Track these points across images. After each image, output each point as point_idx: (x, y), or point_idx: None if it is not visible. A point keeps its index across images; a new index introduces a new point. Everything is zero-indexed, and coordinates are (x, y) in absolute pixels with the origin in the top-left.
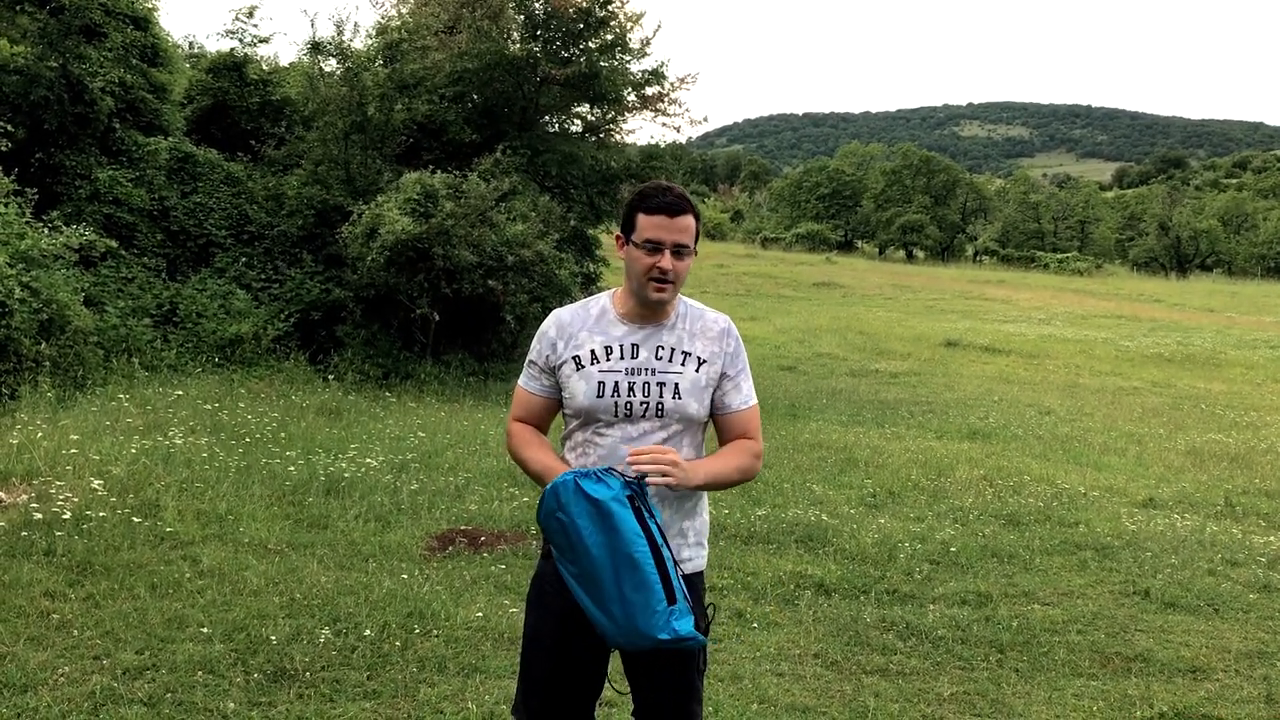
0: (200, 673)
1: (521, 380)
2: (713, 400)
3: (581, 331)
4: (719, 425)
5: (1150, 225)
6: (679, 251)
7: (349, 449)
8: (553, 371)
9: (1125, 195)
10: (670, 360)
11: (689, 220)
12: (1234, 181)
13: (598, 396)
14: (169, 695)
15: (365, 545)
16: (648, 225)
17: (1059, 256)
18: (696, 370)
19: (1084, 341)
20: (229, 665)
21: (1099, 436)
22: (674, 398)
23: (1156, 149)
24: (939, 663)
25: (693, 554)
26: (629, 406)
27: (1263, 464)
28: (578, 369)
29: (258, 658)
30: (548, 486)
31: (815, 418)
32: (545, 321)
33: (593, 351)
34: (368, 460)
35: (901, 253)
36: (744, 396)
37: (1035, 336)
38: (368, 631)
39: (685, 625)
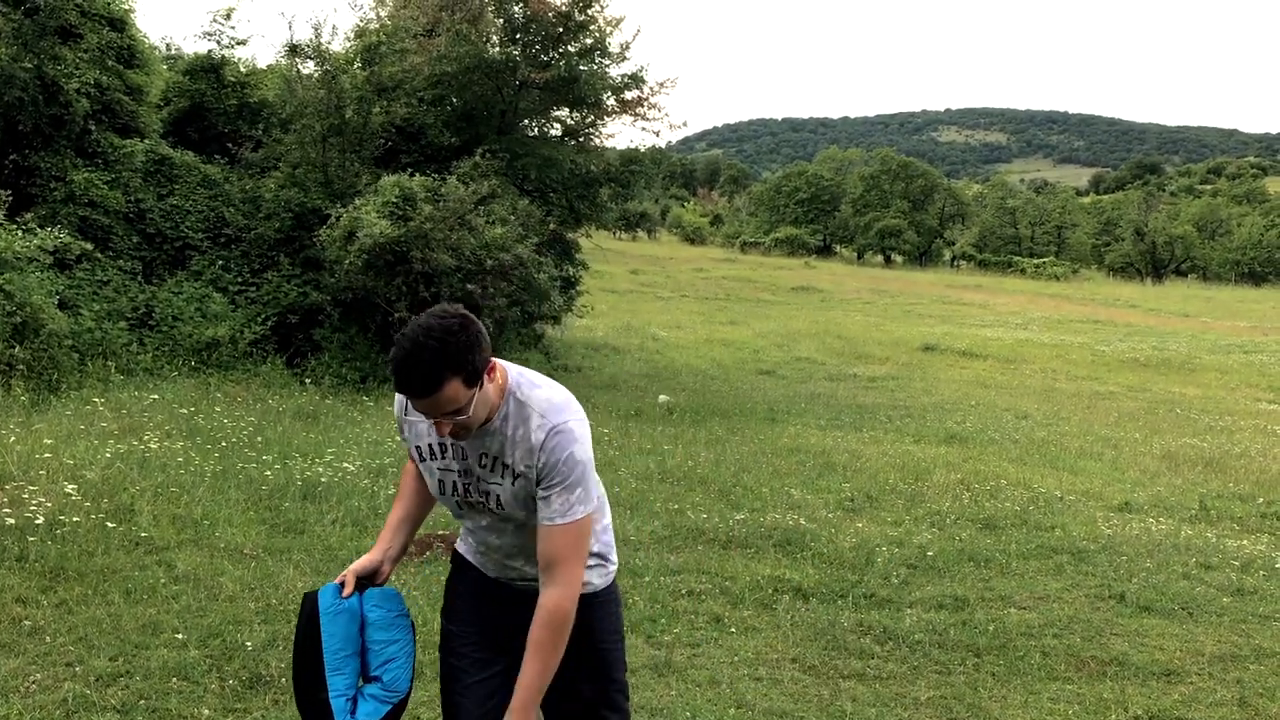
0: (174, 679)
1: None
2: None
3: (420, 423)
4: (537, 535)
5: (1126, 231)
6: (453, 416)
7: (326, 453)
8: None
9: (1101, 201)
10: (491, 470)
11: (448, 392)
12: (1209, 188)
13: (440, 493)
14: (142, 702)
15: (342, 550)
16: (409, 400)
17: (1036, 262)
18: (513, 483)
19: (1060, 346)
20: (204, 672)
21: (1075, 441)
22: (498, 506)
23: (1132, 155)
24: (916, 667)
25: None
26: (469, 504)
27: (1236, 468)
28: (421, 460)
29: (233, 664)
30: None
31: (794, 422)
32: (396, 396)
33: (430, 446)
34: (345, 465)
35: (880, 257)
36: (551, 512)
37: (1012, 341)
38: None
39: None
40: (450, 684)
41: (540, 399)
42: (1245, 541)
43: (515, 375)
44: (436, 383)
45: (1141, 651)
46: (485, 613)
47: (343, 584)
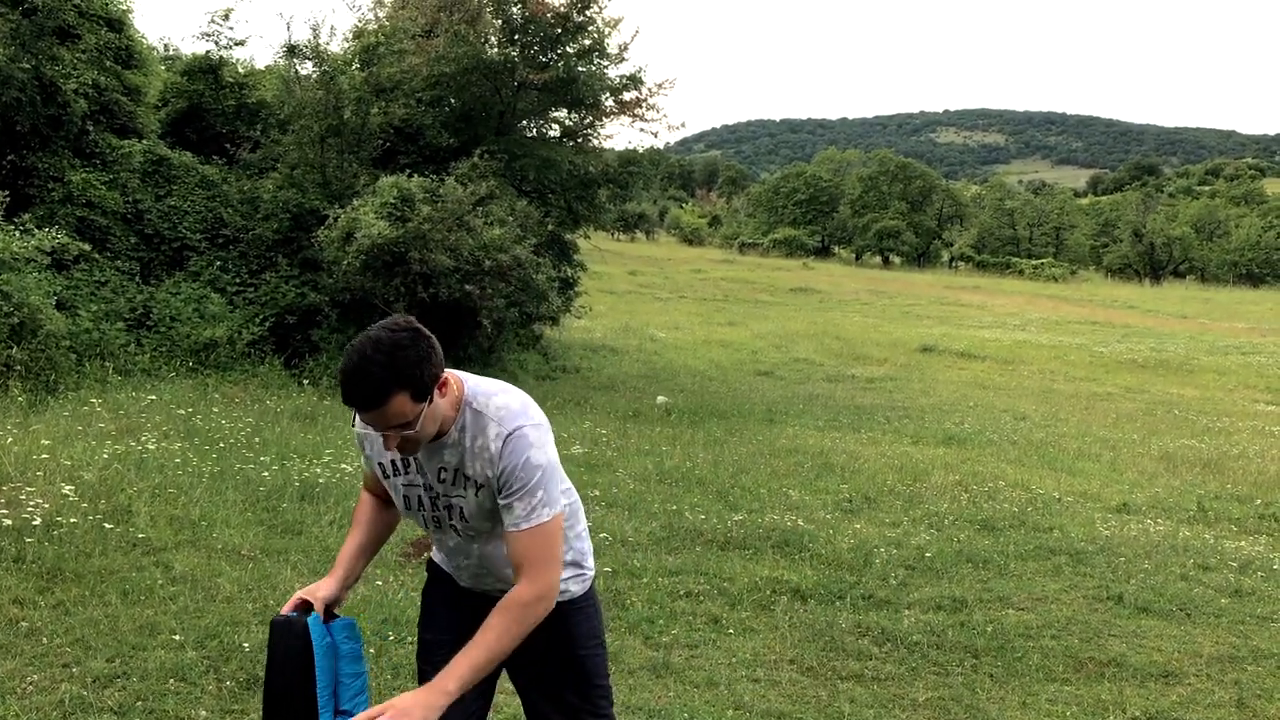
0: (172, 680)
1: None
2: None
3: (380, 440)
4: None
5: (1124, 232)
6: (400, 429)
7: (324, 454)
8: (370, 465)
9: (1100, 202)
10: (453, 483)
11: (395, 406)
12: (1207, 189)
13: (406, 509)
14: (140, 704)
15: (339, 551)
16: (358, 414)
17: (1034, 263)
18: (476, 495)
19: (1058, 347)
20: (201, 673)
21: (1073, 442)
22: (462, 519)
23: (1130, 156)
24: (914, 668)
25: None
26: (436, 519)
27: (1235, 469)
28: (384, 476)
29: (230, 665)
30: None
31: (792, 423)
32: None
33: (393, 462)
34: (342, 466)
35: (878, 258)
36: (515, 518)
37: (1010, 342)
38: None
39: None
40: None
41: (496, 406)
42: (1243, 543)
43: (471, 386)
44: (383, 396)
45: (1139, 653)
46: (463, 621)
47: (318, 614)
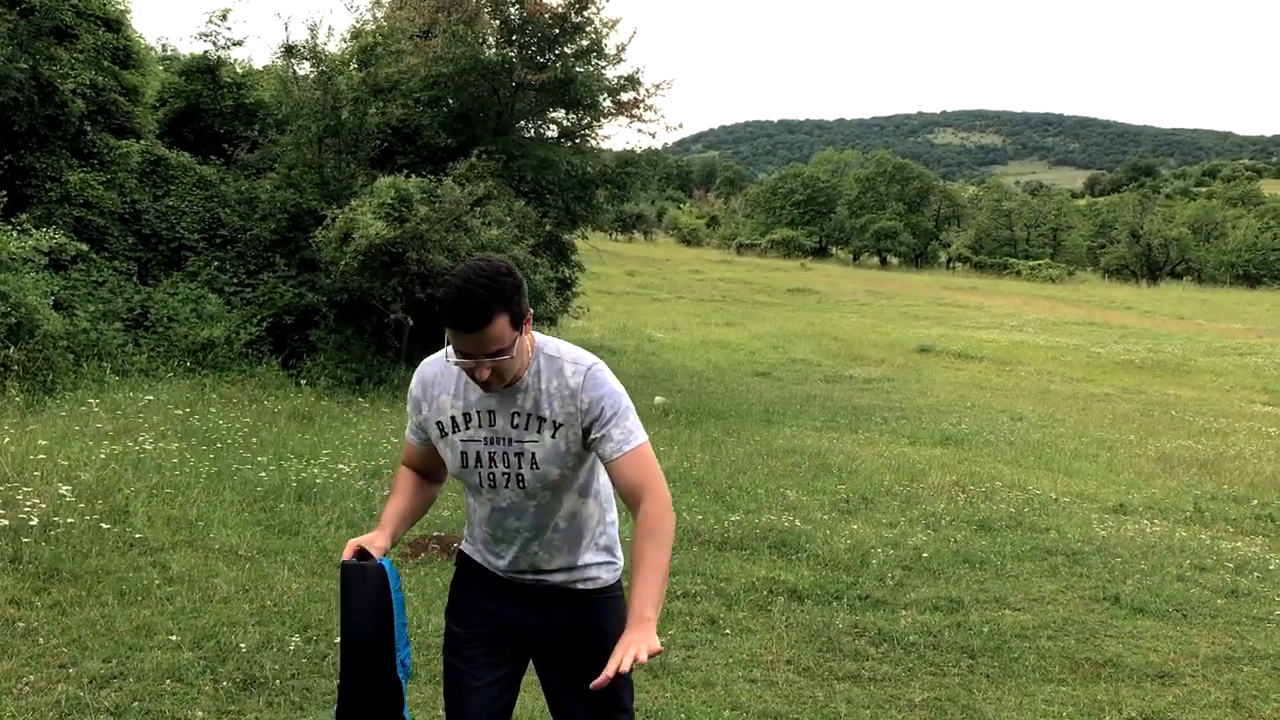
0: (169, 681)
1: (407, 430)
2: (592, 453)
3: (443, 395)
4: (609, 476)
5: (1121, 233)
6: (495, 357)
7: (321, 455)
8: (424, 432)
9: (1097, 203)
10: (526, 428)
11: (495, 329)
12: (1204, 190)
13: (462, 467)
14: (136, 704)
15: (337, 552)
16: (453, 339)
17: (1031, 263)
18: (553, 436)
19: (1056, 348)
20: (198, 673)
21: (1070, 442)
22: (532, 468)
23: (1128, 157)
24: (911, 669)
25: (601, 571)
26: (491, 477)
27: (1231, 470)
28: (442, 436)
29: (227, 665)
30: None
31: (789, 423)
32: (413, 378)
33: (453, 419)
34: (340, 466)
35: (876, 259)
36: (615, 444)
37: (1007, 343)
38: (338, 639)
39: None
40: (456, 686)
41: (567, 350)
42: (1240, 543)
43: (540, 337)
44: (486, 317)
45: (1136, 653)
46: (494, 614)
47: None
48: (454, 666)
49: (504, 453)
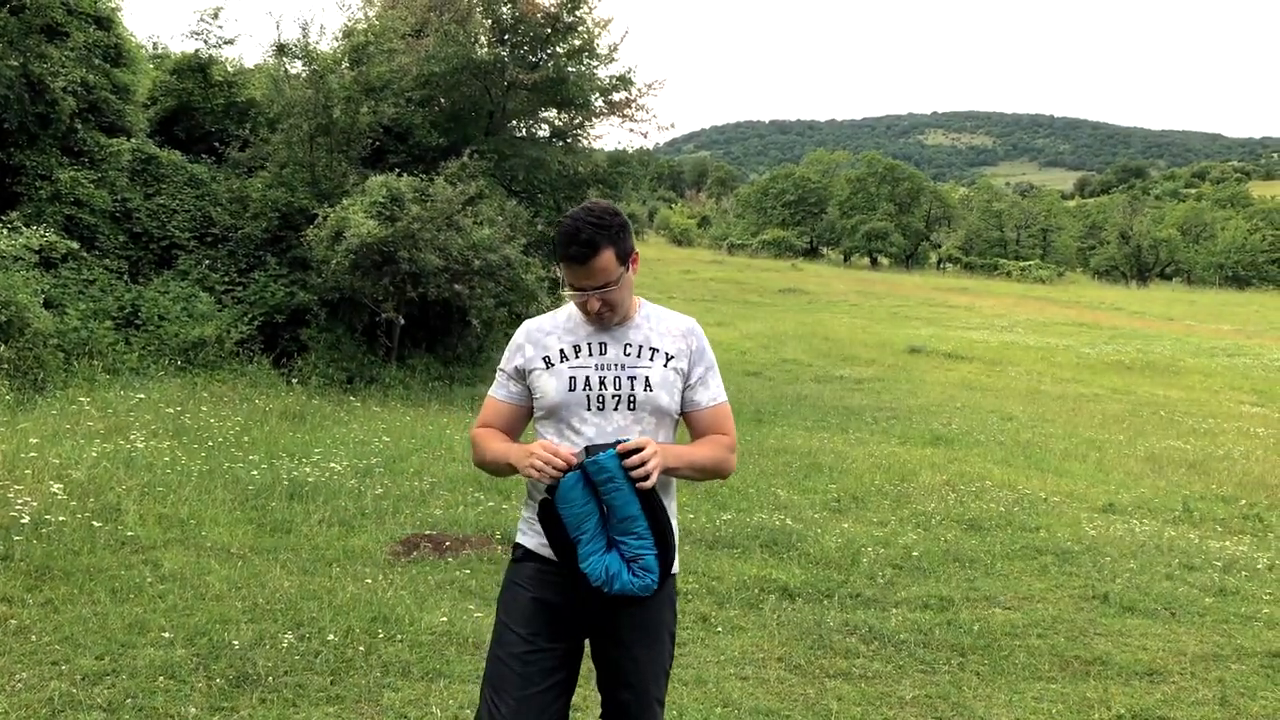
0: (161, 678)
1: (491, 390)
2: (681, 398)
3: (549, 336)
4: (689, 423)
5: (1111, 234)
6: (604, 290)
7: (313, 453)
8: (523, 377)
9: (1087, 204)
10: (639, 356)
11: (604, 260)
12: (1193, 191)
13: (569, 390)
14: (129, 701)
15: (329, 550)
16: (567, 273)
17: (1021, 264)
18: (665, 365)
19: (1045, 349)
20: (190, 670)
21: (1060, 443)
22: (645, 390)
23: (1118, 159)
24: (901, 666)
25: None
26: (600, 400)
27: (1219, 470)
28: (548, 368)
29: (220, 663)
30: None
31: (780, 423)
32: (516, 331)
33: (561, 350)
34: (332, 465)
35: (866, 260)
36: (711, 394)
37: (997, 343)
38: (331, 636)
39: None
40: (503, 690)
41: (669, 309)
42: (1228, 543)
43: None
44: (595, 249)
45: (1124, 651)
46: (555, 608)
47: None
48: (504, 666)
49: (615, 376)
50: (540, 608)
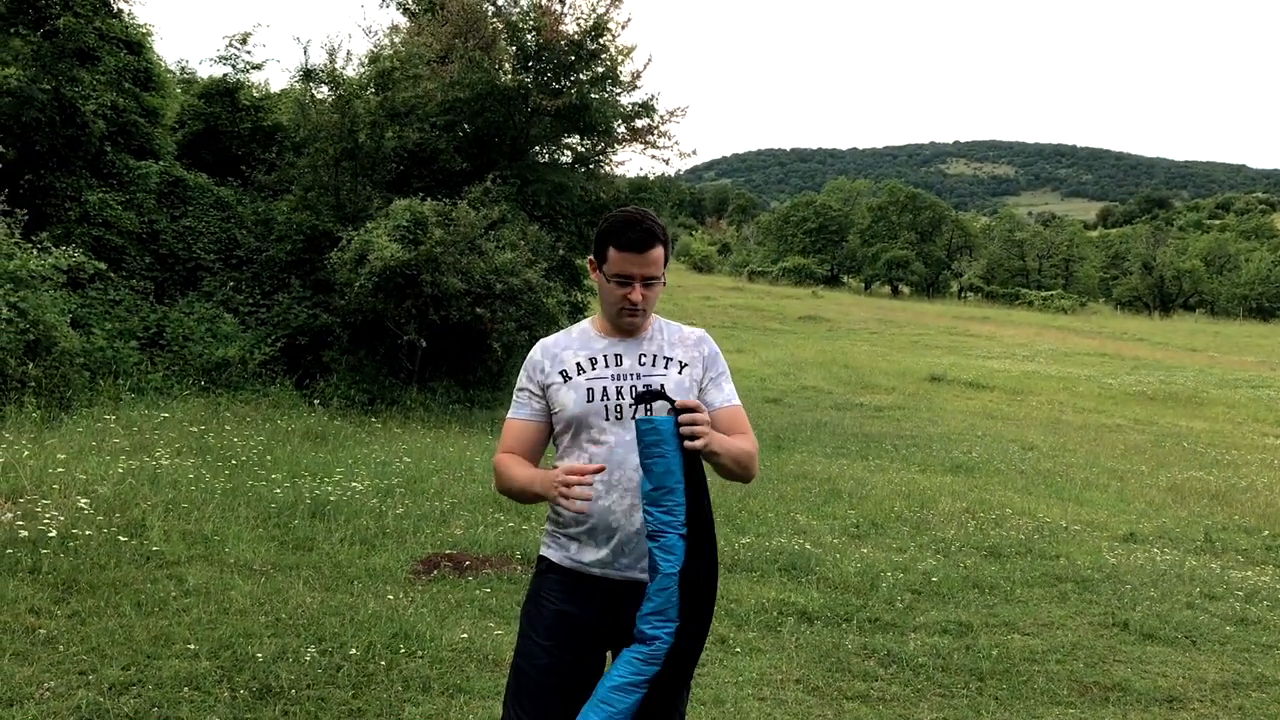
0: (186, 689)
1: (510, 413)
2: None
3: (565, 351)
4: (715, 420)
5: (1134, 264)
6: (648, 283)
7: (334, 473)
8: (543, 392)
9: (1109, 234)
10: (654, 365)
11: (658, 252)
12: (1217, 222)
13: (588, 402)
14: (155, 710)
15: (350, 568)
16: (617, 260)
17: (1043, 294)
18: (680, 373)
19: (1067, 378)
20: (215, 682)
21: (1081, 472)
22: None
23: (1141, 189)
24: (919, 690)
25: None
26: (619, 410)
27: (1242, 501)
28: (565, 381)
29: (243, 675)
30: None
31: (800, 449)
32: (531, 351)
33: (578, 364)
34: (353, 484)
35: (887, 288)
36: (725, 395)
37: (1019, 373)
38: (353, 651)
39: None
40: (524, 699)
41: (679, 323)
42: (1250, 573)
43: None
44: (654, 239)
45: (1144, 678)
46: (577, 619)
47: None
48: (528, 676)
49: (632, 386)
50: (562, 619)
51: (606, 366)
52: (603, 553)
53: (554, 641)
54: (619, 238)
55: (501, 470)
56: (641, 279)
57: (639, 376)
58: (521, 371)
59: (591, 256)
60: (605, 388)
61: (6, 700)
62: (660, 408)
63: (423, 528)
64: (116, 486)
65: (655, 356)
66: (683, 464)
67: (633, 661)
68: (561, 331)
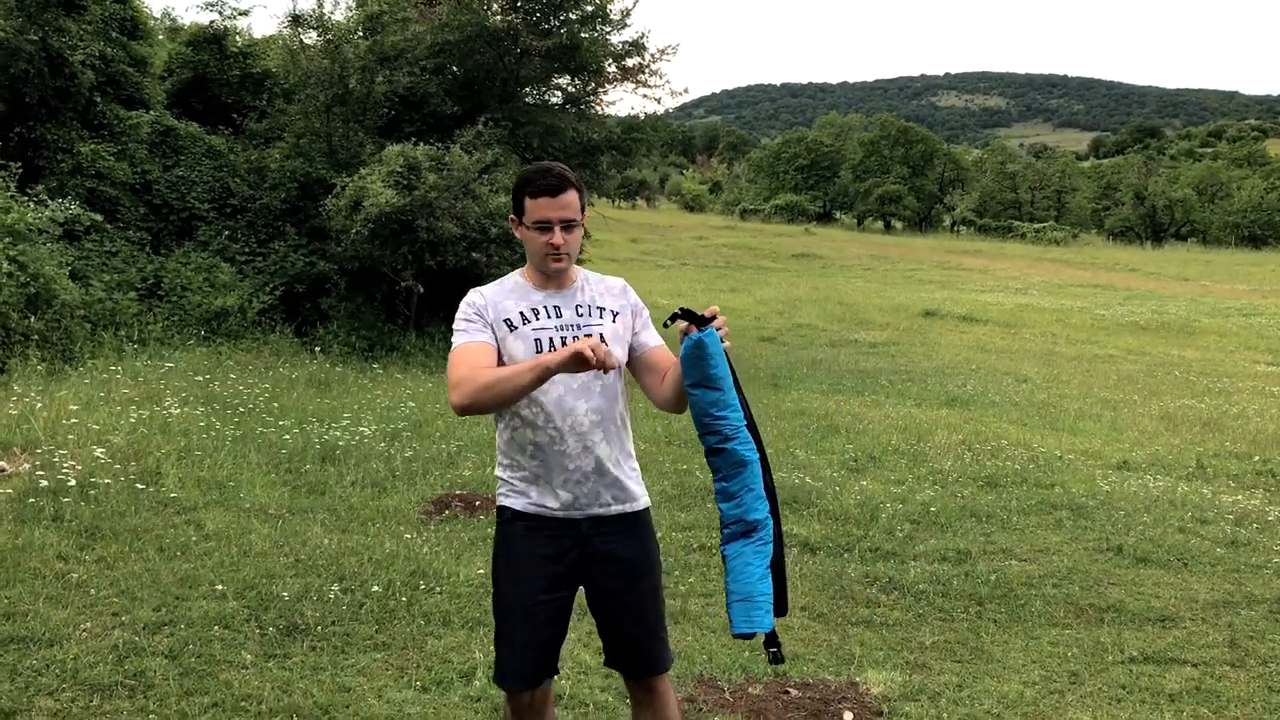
0: (216, 627)
1: (461, 340)
2: (631, 346)
3: (505, 300)
4: (645, 363)
5: (1126, 195)
6: (567, 226)
7: (341, 419)
8: (491, 330)
9: (1101, 165)
10: (590, 315)
11: (571, 196)
12: (1209, 151)
13: (536, 353)
14: (189, 648)
15: (364, 510)
16: (534, 207)
17: (1035, 226)
18: (614, 321)
19: (1060, 310)
20: (243, 620)
21: (1075, 403)
22: (601, 343)
23: (1132, 119)
24: (921, 614)
25: (640, 489)
26: None
27: (1233, 428)
28: (511, 330)
29: (270, 613)
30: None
31: (796, 387)
32: (468, 295)
33: (521, 314)
34: (361, 429)
35: (880, 223)
36: (655, 338)
37: (1012, 306)
38: (375, 588)
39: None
40: (512, 643)
41: (598, 274)
42: (1240, 497)
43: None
44: (567, 184)
45: (1138, 599)
46: (549, 564)
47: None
48: (509, 622)
49: (574, 336)
50: (534, 562)
51: (549, 318)
52: (564, 495)
53: (532, 586)
54: (532, 186)
55: (476, 376)
56: (560, 222)
57: (579, 327)
58: (461, 311)
59: (511, 215)
60: (552, 338)
61: (47, 641)
62: (680, 327)
63: (431, 469)
64: (129, 436)
65: (590, 307)
66: (732, 370)
67: (758, 551)
68: (494, 282)
